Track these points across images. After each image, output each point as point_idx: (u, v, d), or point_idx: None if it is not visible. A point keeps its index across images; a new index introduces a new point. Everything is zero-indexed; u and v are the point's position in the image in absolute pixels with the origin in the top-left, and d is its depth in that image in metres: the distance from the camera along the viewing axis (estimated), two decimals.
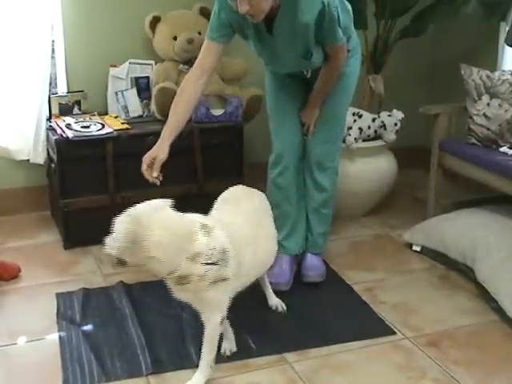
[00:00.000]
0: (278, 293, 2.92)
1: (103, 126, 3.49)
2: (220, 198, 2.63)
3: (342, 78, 2.95)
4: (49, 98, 3.64)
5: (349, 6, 2.78)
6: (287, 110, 3.03)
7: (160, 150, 2.71)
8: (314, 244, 3.17)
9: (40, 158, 3.67)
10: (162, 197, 2.30)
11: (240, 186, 2.71)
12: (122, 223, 2.16)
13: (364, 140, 3.75)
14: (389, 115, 3.79)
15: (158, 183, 2.71)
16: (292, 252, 3.13)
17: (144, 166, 2.70)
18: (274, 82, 3.03)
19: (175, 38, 3.69)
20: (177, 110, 2.76)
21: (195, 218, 2.31)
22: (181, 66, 3.73)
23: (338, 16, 2.65)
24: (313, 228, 3.14)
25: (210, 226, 2.27)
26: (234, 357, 2.56)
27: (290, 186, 3.05)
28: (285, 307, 2.88)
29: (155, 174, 2.69)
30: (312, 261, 3.15)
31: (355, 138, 3.67)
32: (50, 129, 3.55)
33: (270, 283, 2.90)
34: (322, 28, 2.64)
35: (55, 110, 3.65)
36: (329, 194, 3.09)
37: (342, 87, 2.98)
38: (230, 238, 2.32)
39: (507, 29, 3.61)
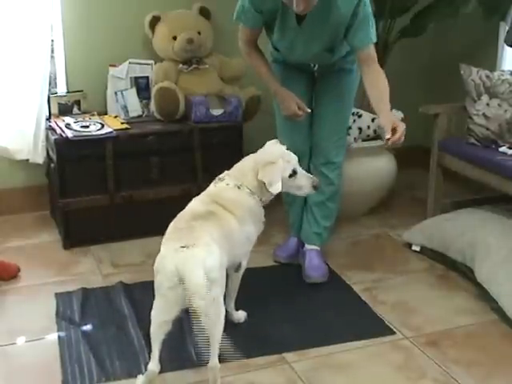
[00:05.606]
0: (277, 293, 2.91)
1: (103, 126, 3.48)
2: None
3: (348, 74, 3.05)
4: (48, 97, 3.64)
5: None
6: None
7: (288, 94, 2.98)
8: (318, 237, 3.24)
9: (39, 158, 3.67)
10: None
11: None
12: None
13: (363, 140, 3.75)
14: None
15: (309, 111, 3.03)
16: (298, 235, 3.33)
17: (297, 109, 2.97)
18: (282, 77, 3.08)
19: (175, 38, 3.68)
20: (262, 63, 3.00)
21: None
22: (180, 65, 3.72)
23: (370, 15, 2.78)
24: (319, 221, 3.22)
25: None
26: (233, 357, 2.55)
27: None
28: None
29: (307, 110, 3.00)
30: (314, 261, 3.18)
31: (354, 138, 3.67)
32: (50, 128, 3.55)
33: (276, 255, 3.32)
34: (353, 25, 2.76)
35: (55, 110, 3.65)
36: (336, 188, 3.20)
37: (347, 82, 3.08)
38: None
39: (507, 29, 3.61)
